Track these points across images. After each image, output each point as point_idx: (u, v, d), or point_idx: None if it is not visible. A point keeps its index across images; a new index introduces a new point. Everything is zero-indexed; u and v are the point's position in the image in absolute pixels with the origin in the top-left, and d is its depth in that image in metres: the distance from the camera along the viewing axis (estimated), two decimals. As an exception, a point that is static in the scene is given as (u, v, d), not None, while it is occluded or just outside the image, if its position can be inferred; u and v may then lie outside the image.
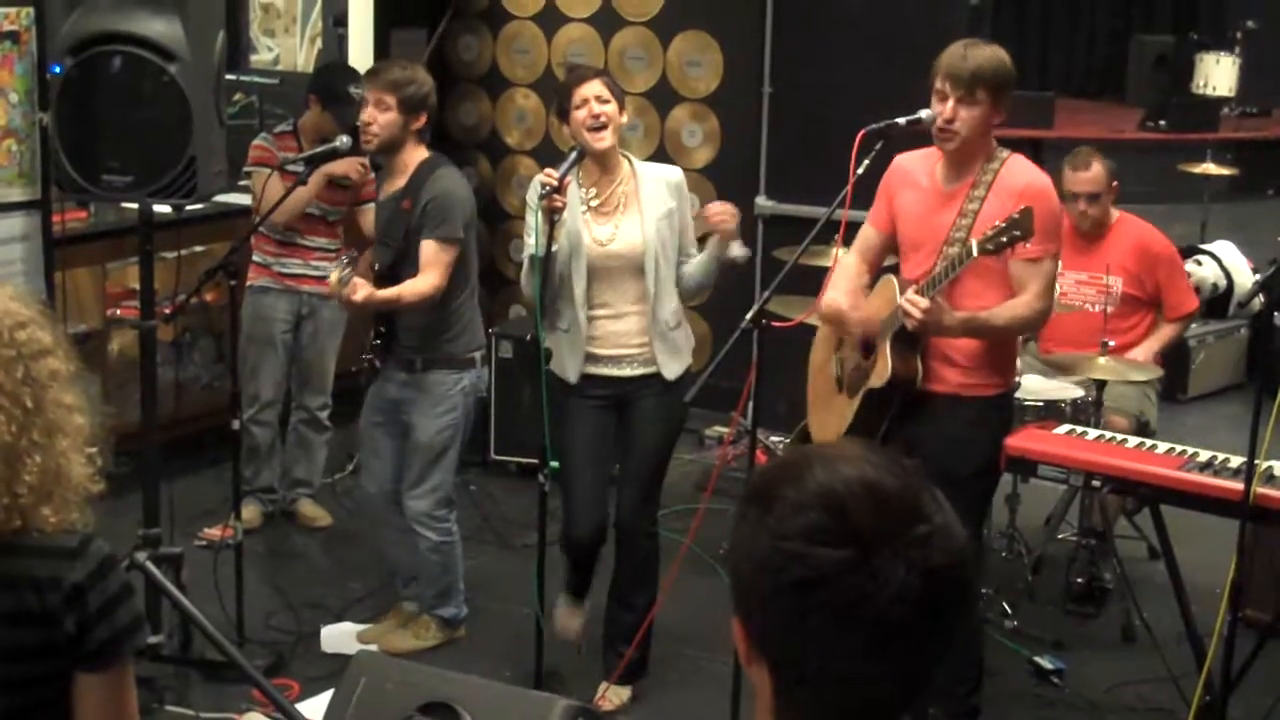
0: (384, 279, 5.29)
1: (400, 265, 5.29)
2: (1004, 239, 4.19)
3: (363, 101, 5.36)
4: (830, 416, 4.85)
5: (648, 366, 5.05)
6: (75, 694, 2.47)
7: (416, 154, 5.38)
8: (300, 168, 5.73)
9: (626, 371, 5.07)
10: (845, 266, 4.89)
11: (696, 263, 5.07)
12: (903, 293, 4.46)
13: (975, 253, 4.24)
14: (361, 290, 5.06)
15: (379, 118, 5.25)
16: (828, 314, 4.81)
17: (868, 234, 4.87)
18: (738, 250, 5.02)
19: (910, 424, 4.60)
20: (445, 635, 5.67)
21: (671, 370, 5.06)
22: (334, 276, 5.05)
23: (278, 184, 6.23)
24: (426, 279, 5.21)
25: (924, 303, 4.32)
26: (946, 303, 4.40)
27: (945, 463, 4.56)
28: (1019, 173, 4.54)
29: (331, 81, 6.63)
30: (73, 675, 2.47)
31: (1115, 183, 6.30)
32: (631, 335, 5.04)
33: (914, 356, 4.52)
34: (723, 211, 4.89)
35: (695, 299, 5.18)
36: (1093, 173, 6.23)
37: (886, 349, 4.51)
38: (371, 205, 6.68)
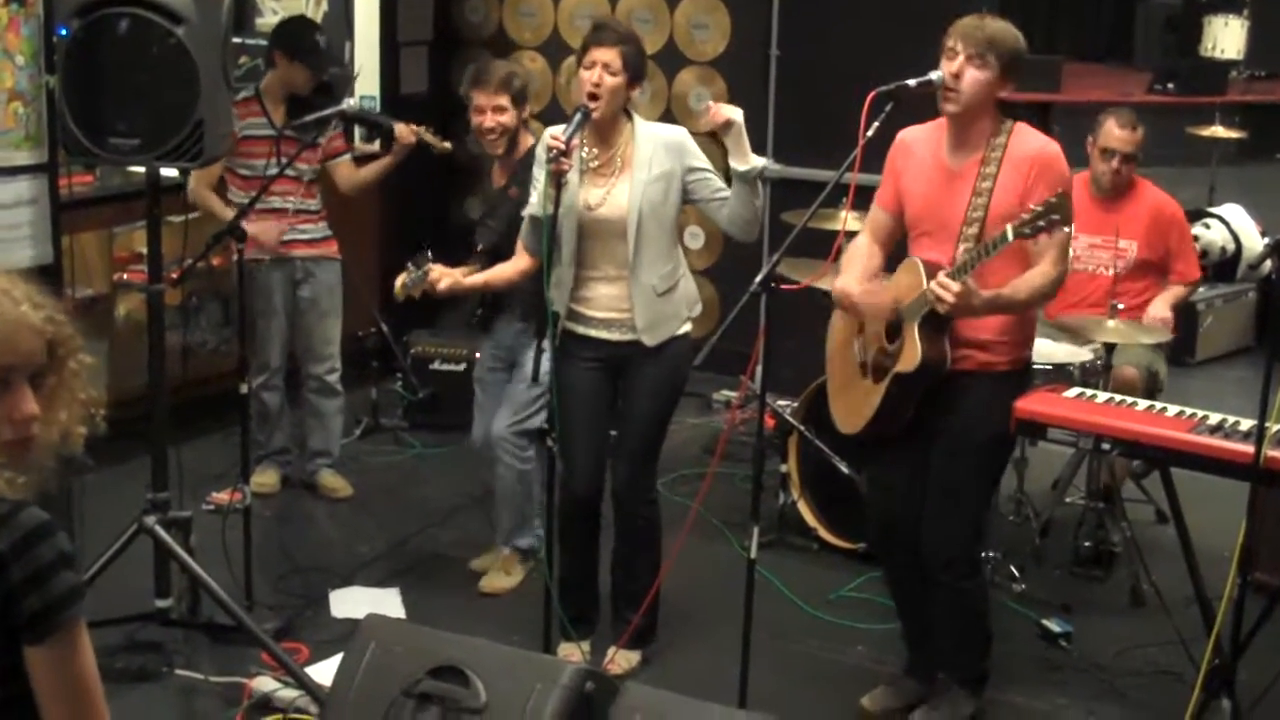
0: (487, 255, 5.52)
1: (502, 246, 5.42)
2: (1041, 224, 4.16)
3: (473, 109, 5.57)
4: (855, 402, 4.81)
5: (632, 333, 5.02)
6: (30, 670, 2.41)
7: (525, 142, 5.64)
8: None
9: (615, 335, 5.04)
10: (857, 248, 4.86)
11: (730, 195, 4.95)
12: (928, 275, 4.45)
13: (1011, 238, 4.22)
14: (445, 280, 5.25)
15: (500, 120, 5.53)
16: (839, 298, 4.79)
17: (877, 215, 4.84)
18: (750, 160, 4.82)
19: (934, 403, 4.59)
20: (526, 567, 5.88)
21: (651, 339, 5.01)
22: (401, 281, 5.17)
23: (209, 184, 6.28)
24: (516, 263, 5.26)
25: (956, 287, 4.29)
26: (976, 284, 4.38)
27: (964, 432, 4.58)
28: (1028, 141, 4.52)
29: (296, 33, 6.61)
30: (17, 652, 2.40)
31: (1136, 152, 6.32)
32: (620, 299, 5.01)
33: (942, 340, 4.49)
34: (715, 109, 4.82)
35: (746, 233, 5.02)
36: (1138, 134, 6.27)
37: (915, 333, 4.48)
38: (345, 158, 6.71)
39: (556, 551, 5.11)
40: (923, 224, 4.67)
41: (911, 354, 4.50)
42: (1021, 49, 4.53)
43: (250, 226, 6.14)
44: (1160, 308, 6.19)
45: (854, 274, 4.79)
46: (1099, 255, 6.27)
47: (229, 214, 6.01)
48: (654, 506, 5.22)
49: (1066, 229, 4.38)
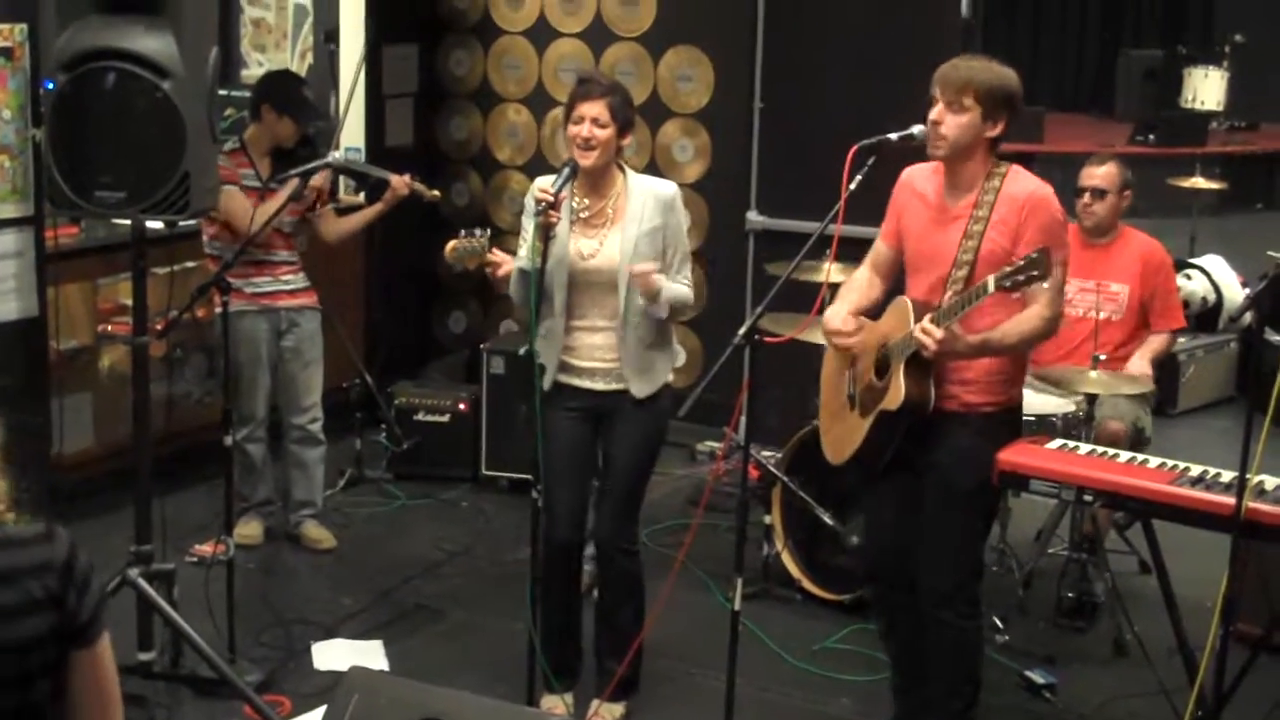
0: None
1: None
2: (1021, 278, 4.17)
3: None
4: (843, 434, 4.84)
5: (619, 382, 5.03)
6: (70, 678, 2.55)
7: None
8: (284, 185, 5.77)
9: (599, 385, 5.05)
10: (857, 279, 4.90)
11: (682, 284, 5.04)
12: (916, 316, 4.48)
13: (992, 289, 4.24)
14: (506, 267, 5.12)
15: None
16: (826, 329, 4.81)
17: (879, 248, 4.88)
18: (656, 309, 4.98)
19: (920, 442, 4.60)
20: None
21: (640, 389, 5.02)
22: (452, 245, 5.12)
23: (243, 201, 6.24)
24: None
25: (939, 333, 4.32)
26: (960, 328, 4.41)
27: (951, 476, 4.58)
28: (1021, 184, 4.52)
29: (284, 87, 6.64)
30: (65, 664, 2.54)
31: (1128, 191, 6.35)
32: (606, 350, 5.02)
33: (927, 380, 4.51)
34: (641, 273, 4.90)
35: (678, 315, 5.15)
36: (1105, 169, 6.32)
37: (900, 373, 4.50)
38: (329, 209, 6.73)
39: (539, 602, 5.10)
40: (917, 262, 4.70)
41: (896, 393, 4.52)
42: (1004, 85, 4.50)
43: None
44: (1139, 364, 6.19)
45: (846, 305, 4.82)
46: (1086, 299, 6.29)
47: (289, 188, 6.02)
48: (635, 558, 5.21)
49: (1044, 284, 4.41)
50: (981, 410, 4.59)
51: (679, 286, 5.01)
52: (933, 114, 4.50)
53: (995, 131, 4.51)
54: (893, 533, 4.80)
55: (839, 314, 4.78)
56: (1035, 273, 4.17)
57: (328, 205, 6.77)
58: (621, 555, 5.15)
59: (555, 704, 5.13)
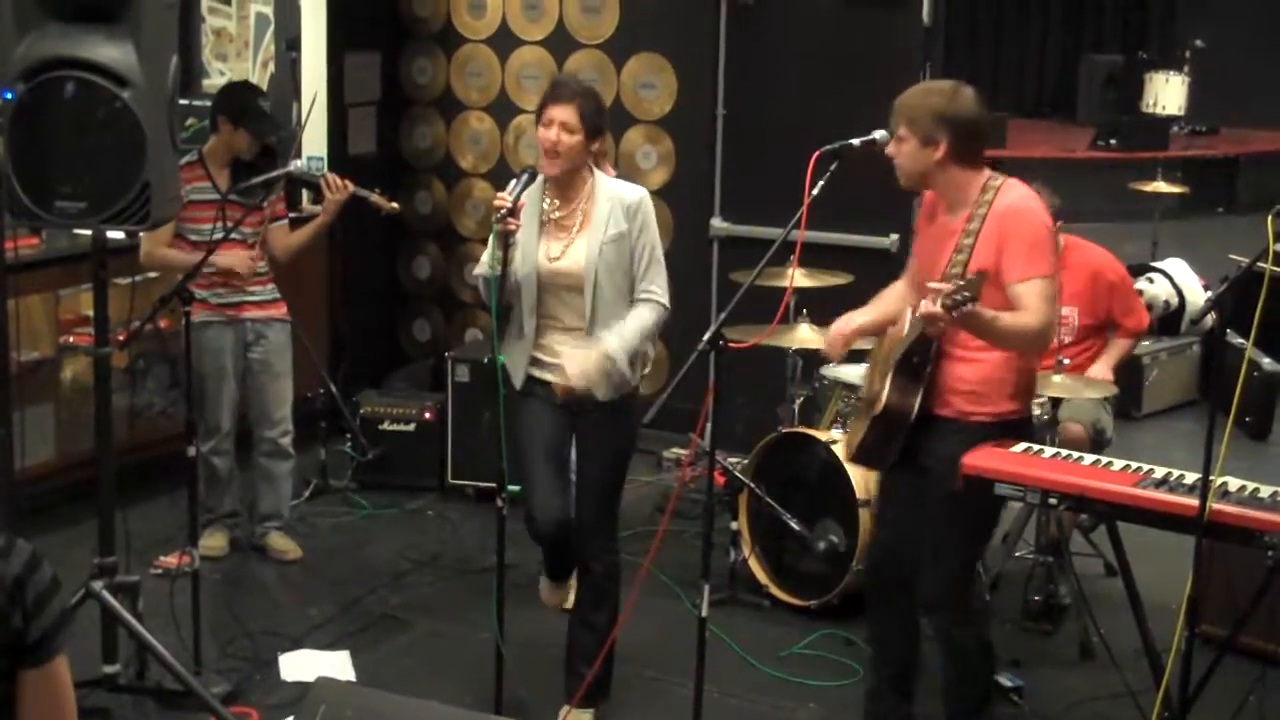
0: None
1: None
2: (957, 298, 4.17)
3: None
4: (856, 430, 4.94)
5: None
6: (19, 695, 2.49)
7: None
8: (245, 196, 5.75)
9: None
10: (891, 290, 4.98)
11: (646, 300, 5.02)
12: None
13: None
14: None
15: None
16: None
17: (910, 261, 4.98)
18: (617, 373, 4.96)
19: (919, 447, 4.63)
20: None
21: (605, 393, 4.97)
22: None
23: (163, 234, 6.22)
24: None
25: (937, 308, 4.22)
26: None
27: (939, 483, 4.57)
28: (1007, 197, 4.51)
29: (240, 99, 6.60)
30: (14, 678, 2.48)
31: (1058, 222, 6.28)
32: (577, 346, 5.01)
33: (913, 391, 4.53)
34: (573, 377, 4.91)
35: None
36: None
37: (888, 380, 4.55)
38: (282, 223, 6.69)
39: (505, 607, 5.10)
40: (920, 275, 4.71)
41: (881, 399, 4.57)
42: (930, 107, 4.50)
43: (221, 259, 6.11)
44: (1101, 369, 6.19)
45: (868, 313, 4.90)
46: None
47: (192, 258, 5.95)
48: (613, 567, 5.20)
49: (1038, 280, 4.38)
50: (974, 419, 4.59)
51: (630, 328, 4.93)
52: (888, 148, 4.59)
53: (939, 153, 4.51)
54: (893, 531, 4.82)
55: (852, 317, 4.86)
56: (967, 294, 4.16)
57: (283, 220, 6.73)
58: (600, 559, 5.15)
59: (554, 593, 5.32)
